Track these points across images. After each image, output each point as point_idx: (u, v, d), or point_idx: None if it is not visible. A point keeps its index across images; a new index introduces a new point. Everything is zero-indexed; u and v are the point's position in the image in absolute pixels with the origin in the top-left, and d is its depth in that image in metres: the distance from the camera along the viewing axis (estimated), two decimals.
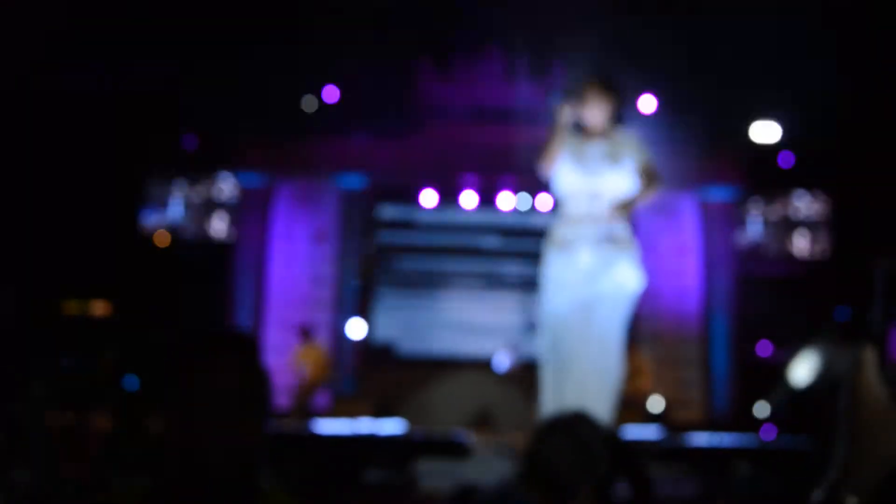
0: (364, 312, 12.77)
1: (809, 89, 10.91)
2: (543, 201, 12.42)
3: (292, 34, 12.44)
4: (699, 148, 12.39)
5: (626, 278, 4.65)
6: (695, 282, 12.84)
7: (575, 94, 4.74)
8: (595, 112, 4.73)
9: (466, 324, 13.14)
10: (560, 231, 4.72)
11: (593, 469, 1.85)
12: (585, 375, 4.39)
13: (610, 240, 4.55)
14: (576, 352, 4.47)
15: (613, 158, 4.67)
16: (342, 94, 12.75)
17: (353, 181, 13.11)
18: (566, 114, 4.64)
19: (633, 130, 5.00)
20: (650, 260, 12.81)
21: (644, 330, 12.48)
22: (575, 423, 1.94)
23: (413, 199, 13.26)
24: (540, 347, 4.77)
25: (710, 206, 13.07)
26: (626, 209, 4.60)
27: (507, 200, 12.99)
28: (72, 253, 11.28)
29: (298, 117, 12.72)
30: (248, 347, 1.44)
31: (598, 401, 4.26)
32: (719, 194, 13.06)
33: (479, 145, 12.71)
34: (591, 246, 4.56)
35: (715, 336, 12.46)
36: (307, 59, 12.65)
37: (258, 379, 1.40)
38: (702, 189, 12.96)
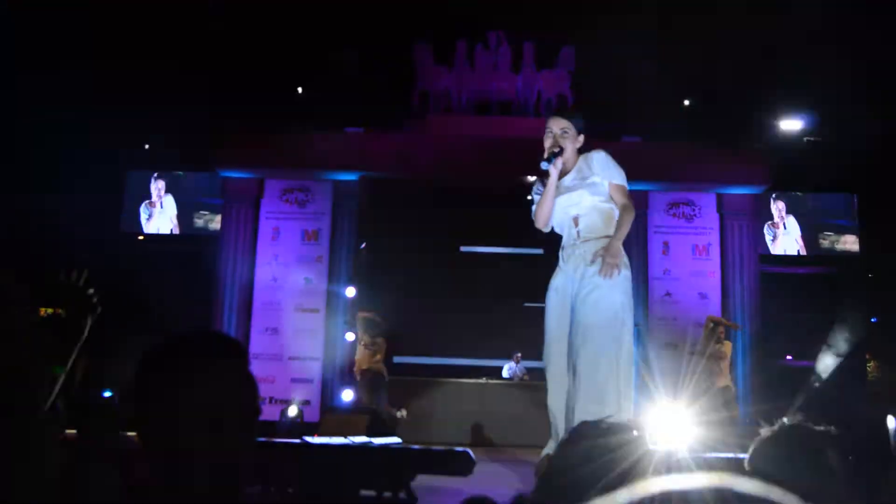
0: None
1: (837, 88, 10.75)
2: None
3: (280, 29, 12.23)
4: (721, 146, 12.05)
5: (610, 303, 4.69)
6: (716, 283, 12.34)
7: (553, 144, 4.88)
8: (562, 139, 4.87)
9: (468, 331, 12.66)
10: (560, 255, 4.99)
11: (608, 478, 1.80)
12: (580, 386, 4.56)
13: (595, 262, 4.72)
14: (570, 365, 4.67)
15: (582, 180, 4.87)
16: (335, 85, 12.34)
17: (347, 177, 12.51)
18: (555, 173, 4.81)
19: (599, 152, 4.96)
20: (669, 261, 12.53)
21: (661, 335, 12.06)
22: (593, 432, 1.93)
23: (410, 196, 12.77)
24: (545, 359, 4.94)
25: (732, 206, 12.52)
26: (613, 246, 4.71)
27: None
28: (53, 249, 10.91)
29: (288, 110, 12.41)
30: (233, 352, 1.37)
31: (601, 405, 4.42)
32: (741, 194, 12.51)
33: (481, 139, 12.13)
34: (579, 268, 4.77)
35: (736, 341, 11.93)
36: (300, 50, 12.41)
37: (244, 385, 1.34)
38: (723, 188, 12.45)
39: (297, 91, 13.15)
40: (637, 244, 12.31)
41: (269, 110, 12.41)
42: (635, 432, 1.96)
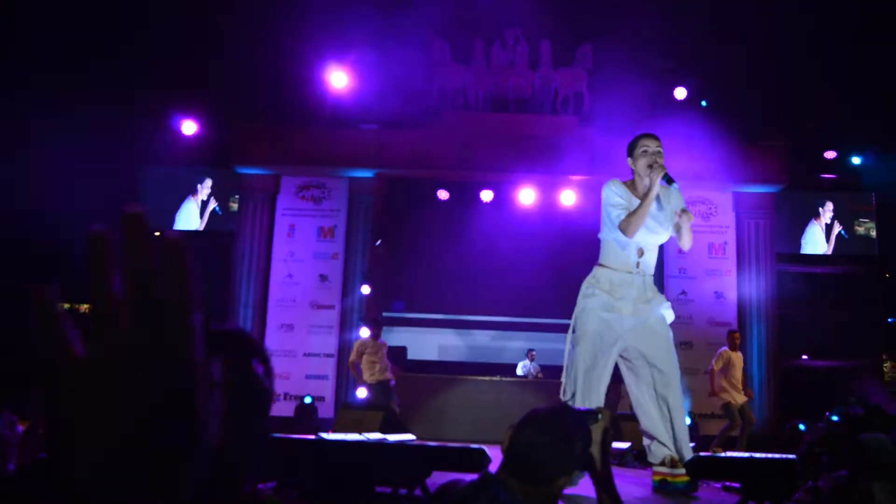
0: (373, 314, 12.14)
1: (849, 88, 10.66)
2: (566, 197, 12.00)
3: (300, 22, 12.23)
4: (738, 145, 11.97)
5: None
6: (732, 282, 12.26)
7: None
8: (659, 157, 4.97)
9: (484, 328, 12.62)
10: (603, 275, 5.12)
11: (574, 457, 1.95)
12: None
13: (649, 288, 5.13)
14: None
15: (665, 215, 5.02)
16: (351, 82, 12.33)
17: (363, 174, 12.51)
18: (657, 190, 4.87)
19: (676, 188, 5.08)
20: (685, 260, 12.46)
21: (676, 334, 12.02)
22: (558, 413, 2.04)
23: (427, 193, 12.77)
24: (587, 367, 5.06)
25: (748, 204, 12.44)
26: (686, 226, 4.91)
27: (527, 196, 12.40)
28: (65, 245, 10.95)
29: (305, 107, 12.41)
30: (242, 348, 1.32)
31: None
32: (757, 192, 12.44)
33: (498, 135, 12.10)
34: (641, 297, 5.07)
35: (752, 340, 11.85)
36: (315, 47, 12.39)
37: (250, 382, 1.29)
38: (740, 187, 12.39)
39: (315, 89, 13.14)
40: None
41: (286, 107, 12.44)
42: (599, 416, 2.06)
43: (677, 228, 4.95)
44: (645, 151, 4.96)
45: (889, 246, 12.63)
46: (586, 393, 4.91)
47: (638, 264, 5.04)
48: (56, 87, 11.93)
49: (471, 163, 12.07)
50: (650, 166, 4.87)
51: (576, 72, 12.83)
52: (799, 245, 12.87)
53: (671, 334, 5.10)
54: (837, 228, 12.79)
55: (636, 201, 4.93)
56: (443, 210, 12.94)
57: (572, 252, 11.26)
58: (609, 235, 5.10)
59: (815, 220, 13.00)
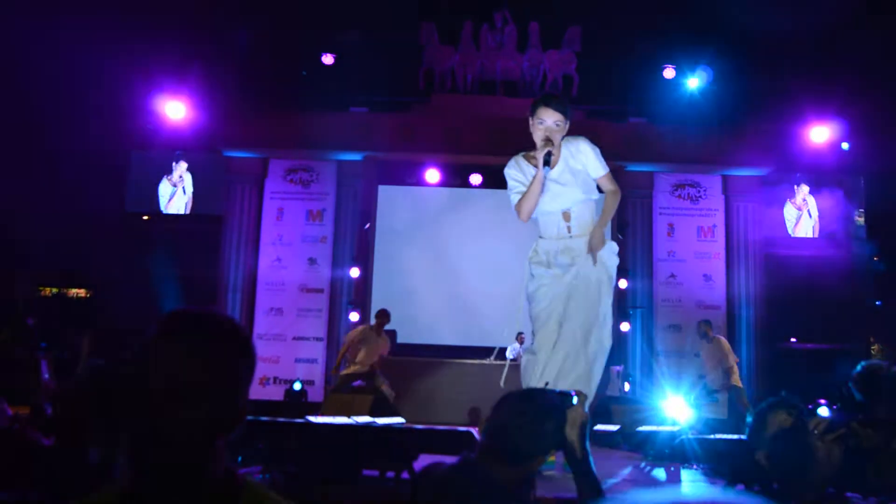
0: (361, 298, 12.10)
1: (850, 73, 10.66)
2: None
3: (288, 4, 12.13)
4: (727, 128, 11.96)
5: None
6: (720, 265, 12.27)
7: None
8: (555, 133, 4.61)
9: (473, 311, 12.59)
10: (542, 248, 4.90)
11: (546, 438, 1.99)
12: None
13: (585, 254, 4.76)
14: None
15: (571, 175, 4.72)
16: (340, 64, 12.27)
17: (351, 157, 12.44)
18: (544, 171, 4.57)
19: (584, 142, 4.76)
20: (674, 243, 12.48)
21: (665, 316, 12.04)
22: (530, 395, 2.09)
23: (415, 176, 12.74)
24: (537, 344, 4.96)
25: (737, 187, 12.44)
26: (599, 230, 4.75)
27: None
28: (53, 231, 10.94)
29: (294, 90, 12.33)
30: (226, 332, 1.36)
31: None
32: (746, 175, 12.42)
33: (487, 118, 12.05)
34: (576, 261, 4.76)
35: (741, 322, 11.89)
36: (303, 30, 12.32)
37: (228, 365, 1.34)
38: (728, 170, 12.38)
39: (302, 71, 13.04)
40: (642, 226, 12.26)
41: (274, 90, 12.35)
42: (575, 399, 2.08)
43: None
44: (542, 122, 4.60)
45: (877, 230, 12.67)
46: (559, 377, 4.73)
47: (569, 229, 4.77)
48: None
49: (459, 146, 12.02)
50: (544, 140, 4.55)
51: (564, 54, 12.78)
52: (785, 228, 12.92)
53: (596, 291, 4.79)
54: (811, 209, 12.88)
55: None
56: (432, 192, 12.89)
57: None
58: None
59: (790, 200, 13.06)
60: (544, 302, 4.83)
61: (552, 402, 2.06)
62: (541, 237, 4.91)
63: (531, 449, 1.98)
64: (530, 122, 4.68)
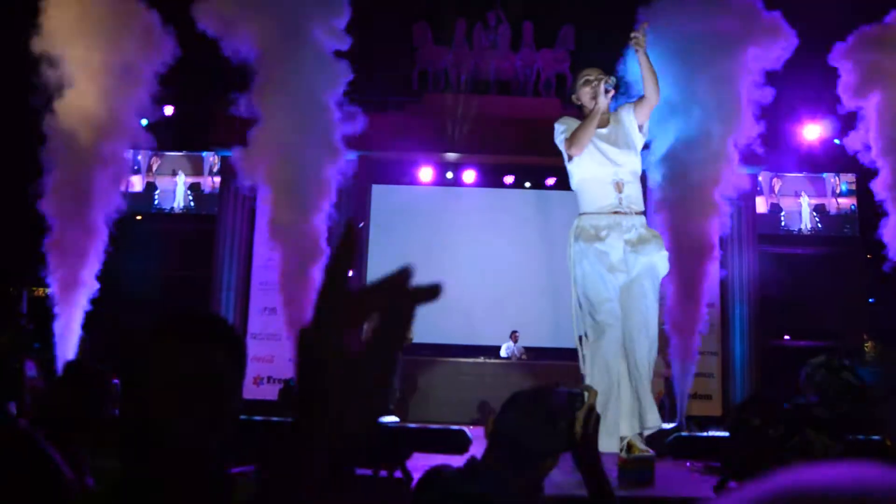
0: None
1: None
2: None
3: None
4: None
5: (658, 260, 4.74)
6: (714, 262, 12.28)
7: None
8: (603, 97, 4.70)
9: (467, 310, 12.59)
10: (588, 220, 4.74)
11: (557, 438, 1.94)
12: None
13: (640, 227, 4.68)
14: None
15: (624, 136, 4.73)
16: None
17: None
18: (604, 100, 4.67)
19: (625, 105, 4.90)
20: (668, 240, 12.45)
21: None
22: (539, 395, 2.02)
23: (409, 175, 12.74)
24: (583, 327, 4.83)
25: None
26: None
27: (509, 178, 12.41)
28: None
29: None
30: (216, 333, 1.36)
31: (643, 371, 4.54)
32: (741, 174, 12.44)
33: (481, 118, 12.06)
34: (631, 242, 4.63)
35: (735, 319, 11.90)
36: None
37: (220, 366, 1.32)
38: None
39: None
40: None
41: None
42: (586, 396, 2.02)
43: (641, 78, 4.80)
44: (587, 81, 4.75)
45: (869, 227, 12.70)
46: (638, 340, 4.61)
47: (621, 200, 4.63)
48: None
49: (453, 145, 12.02)
50: (594, 90, 4.68)
51: (558, 53, 12.80)
52: (780, 226, 12.93)
53: (655, 295, 4.71)
54: (805, 206, 12.91)
55: None
56: (426, 191, 12.90)
57: (553, 233, 11.28)
58: (577, 174, 4.79)
59: (784, 196, 13.09)
60: (600, 282, 4.64)
61: (564, 401, 2.01)
62: (582, 214, 4.77)
63: (542, 450, 1.94)
64: (575, 96, 4.83)
